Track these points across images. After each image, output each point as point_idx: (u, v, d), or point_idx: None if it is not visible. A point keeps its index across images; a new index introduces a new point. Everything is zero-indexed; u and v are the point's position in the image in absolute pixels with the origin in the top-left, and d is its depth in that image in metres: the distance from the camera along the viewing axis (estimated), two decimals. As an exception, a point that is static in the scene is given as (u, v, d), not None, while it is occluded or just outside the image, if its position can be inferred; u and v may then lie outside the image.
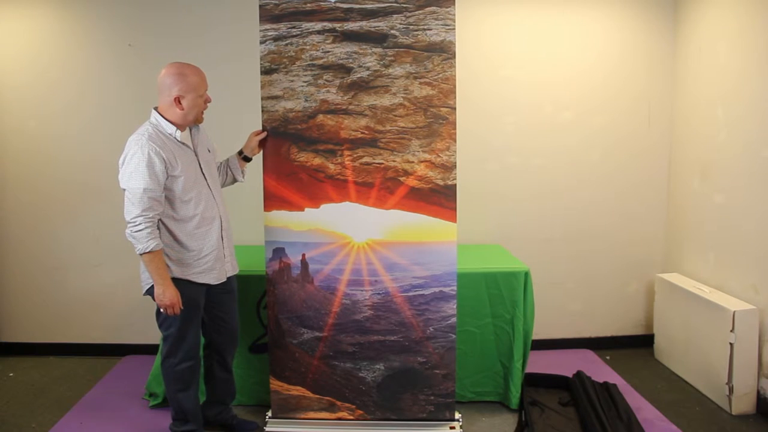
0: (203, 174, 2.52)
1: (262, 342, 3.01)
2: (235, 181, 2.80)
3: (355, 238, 2.70)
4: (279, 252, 2.72)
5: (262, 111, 2.69)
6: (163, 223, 2.41)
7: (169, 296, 2.37)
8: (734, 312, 2.93)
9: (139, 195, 2.29)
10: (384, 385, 2.77)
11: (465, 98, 3.41)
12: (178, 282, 2.43)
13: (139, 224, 2.29)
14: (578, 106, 3.72)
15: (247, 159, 2.77)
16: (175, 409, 2.61)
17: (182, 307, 2.43)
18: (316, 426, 2.81)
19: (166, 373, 2.57)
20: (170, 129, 2.42)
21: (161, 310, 2.42)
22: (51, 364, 3.67)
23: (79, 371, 3.55)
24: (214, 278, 2.54)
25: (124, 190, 2.35)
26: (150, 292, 2.47)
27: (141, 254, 2.34)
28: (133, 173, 2.30)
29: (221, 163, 2.77)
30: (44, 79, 3.63)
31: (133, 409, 3.07)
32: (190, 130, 2.54)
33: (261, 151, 2.73)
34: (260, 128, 2.70)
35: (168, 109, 2.42)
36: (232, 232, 2.66)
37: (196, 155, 2.52)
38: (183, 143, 2.46)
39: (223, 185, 2.76)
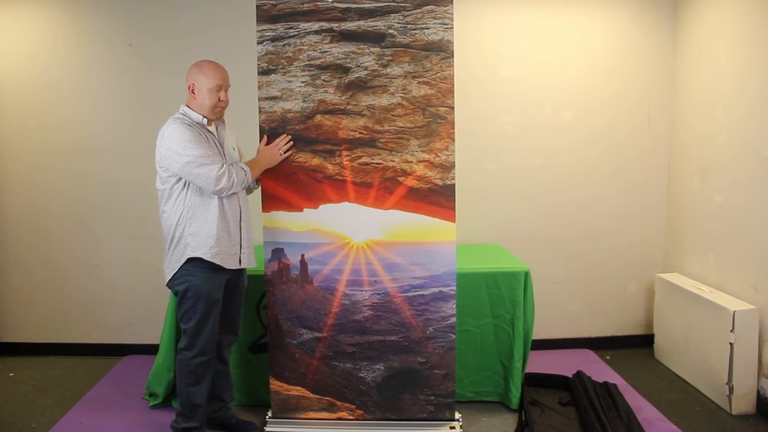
0: None
1: (262, 342, 3.01)
2: (251, 190, 2.81)
3: (354, 238, 2.70)
4: (278, 252, 2.72)
5: (260, 112, 2.69)
6: (189, 199, 2.49)
7: (267, 159, 2.62)
8: (734, 312, 2.92)
9: (206, 157, 2.41)
10: (384, 385, 2.77)
11: (464, 98, 3.41)
12: (197, 266, 2.50)
13: (228, 171, 2.43)
14: (578, 106, 3.71)
15: None
16: (183, 403, 2.61)
17: (196, 299, 2.50)
18: (316, 426, 2.81)
19: (180, 366, 2.60)
20: (197, 117, 2.51)
21: (286, 150, 2.63)
22: (51, 364, 3.67)
23: (79, 371, 3.56)
24: (228, 263, 2.57)
25: (160, 189, 2.51)
26: (172, 284, 2.56)
27: (255, 181, 2.62)
28: (184, 146, 2.40)
29: None
30: (44, 79, 3.64)
31: (133, 409, 3.07)
32: (216, 127, 2.61)
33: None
34: (258, 129, 2.71)
35: (190, 100, 2.53)
36: (251, 226, 2.69)
37: (222, 148, 2.58)
38: (210, 132, 2.55)
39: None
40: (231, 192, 2.49)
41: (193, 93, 2.50)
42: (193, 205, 2.49)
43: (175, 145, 2.41)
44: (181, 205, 2.49)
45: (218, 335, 2.71)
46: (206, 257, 2.50)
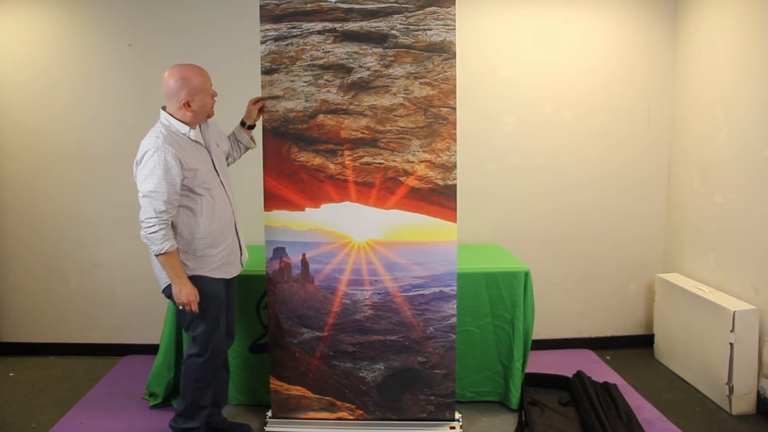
0: (216, 170, 2.53)
1: (262, 342, 3.00)
2: (247, 149, 2.81)
3: (356, 237, 2.70)
4: (279, 252, 2.73)
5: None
6: (181, 220, 2.42)
7: (186, 294, 2.39)
8: (734, 312, 2.93)
9: (155, 197, 2.31)
10: (384, 385, 2.77)
11: (465, 98, 3.41)
12: (198, 279, 2.45)
13: (153, 225, 2.31)
14: (578, 106, 3.72)
15: (251, 127, 2.78)
16: (187, 404, 2.58)
17: (204, 305, 2.44)
18: (316, 426, 2.81)
19: (189, 370, 2.55)
20: (183, 129, 2.43)
21: (180, 307, 2.43)
22: (51, 364, 3.67)
23: (79, 371, 3.55)
24: (230, 272, 2.57)
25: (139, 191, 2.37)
26: (168, 291, 2.48)
27: (156, 255, 2.35)
28: (149, 176, 2.31)
29: (227, 137, 2.77)
30: (44, 79, 3.63)
31: (133, 409, 3.07)
32: (200, 126, 2.54)
33: (261, 118, 2.73)
34: (260, 124, 2.71)
35: (178, 111, 2.43)
36: (240, 224, 2.67)
37: (209, 152, 2.53)
38: (196, 141, 2.48)
39: (238, 158, 2.80)
40: (149, 231, 2.31)
41: (190, 107, 2.40)
42: (186, 224, 2.43)
43: (142, 171, 2.33)
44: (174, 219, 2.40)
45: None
46: (209, 275, 2.48)
